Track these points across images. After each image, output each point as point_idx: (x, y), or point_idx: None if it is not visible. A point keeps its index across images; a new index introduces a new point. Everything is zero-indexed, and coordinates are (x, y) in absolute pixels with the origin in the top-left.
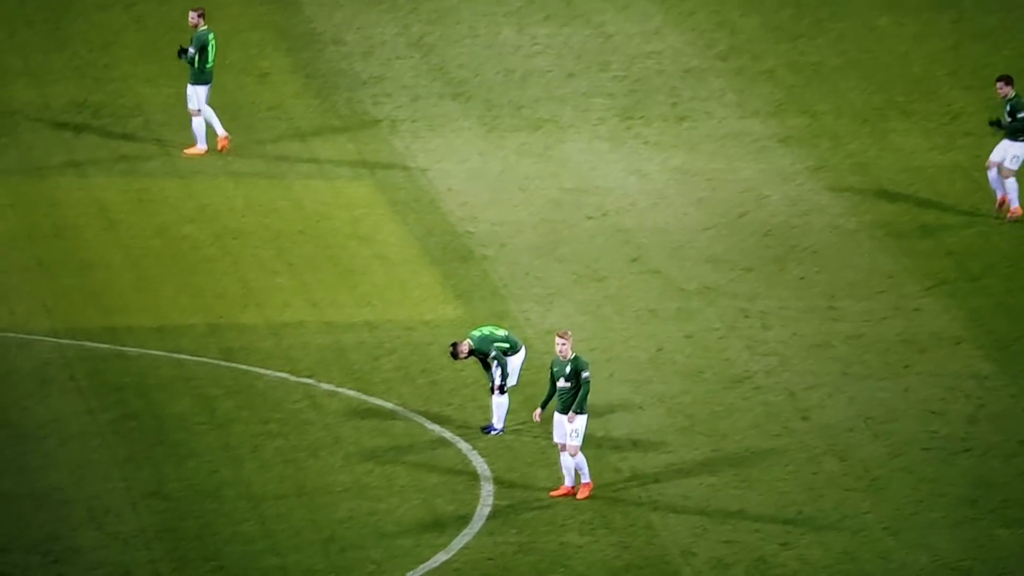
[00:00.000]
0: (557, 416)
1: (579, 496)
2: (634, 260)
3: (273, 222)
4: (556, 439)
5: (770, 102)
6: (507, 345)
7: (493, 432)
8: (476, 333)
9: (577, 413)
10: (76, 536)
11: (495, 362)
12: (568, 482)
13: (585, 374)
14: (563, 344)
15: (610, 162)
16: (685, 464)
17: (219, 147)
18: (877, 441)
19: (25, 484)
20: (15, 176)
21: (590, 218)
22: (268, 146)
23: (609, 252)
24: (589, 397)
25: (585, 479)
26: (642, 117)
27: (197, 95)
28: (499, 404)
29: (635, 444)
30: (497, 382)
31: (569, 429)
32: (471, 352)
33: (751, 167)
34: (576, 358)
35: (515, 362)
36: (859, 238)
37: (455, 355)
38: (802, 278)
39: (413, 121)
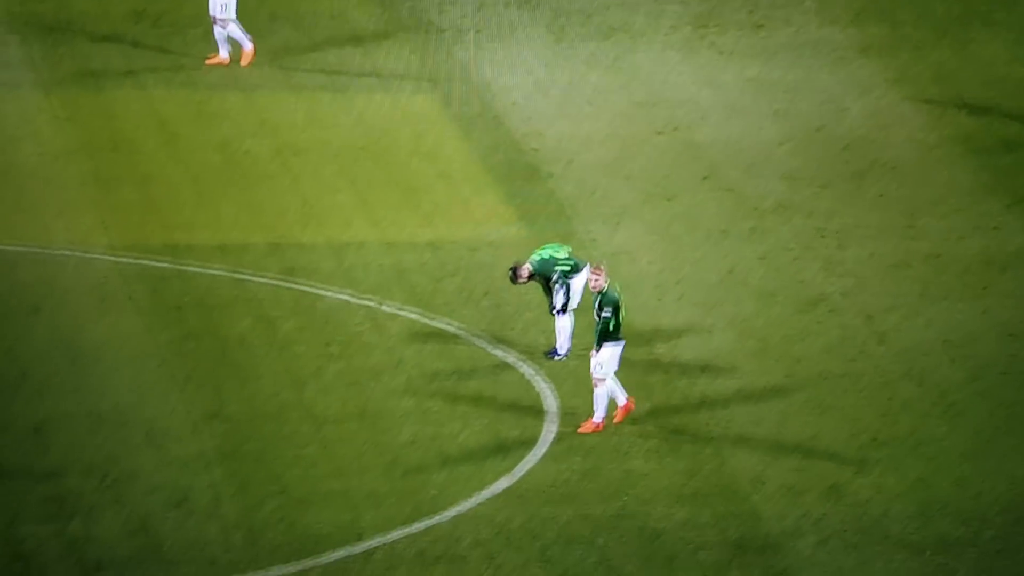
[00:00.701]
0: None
1: (581, 429)
2: (706, 177)
3: (334, 137)
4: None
5: (850, 10)
6: (569, 266)
7: (557, 357)
8: (536, 257)
9: (599, 346)
10: (134, 459)
11: (557, 285)
12: (621, 400)
13: (605, 312)
14: (596, 279)
15: (682, 73)
16: (756, 390)
17: (245, 61)
18: (955, 365)
19: (82, 405)
20: (72, 88)
21: (660, 133)
22: (330, 57)
23: (680, 168)
24: (619, 327)
25: (597, 417)
26: (717, 25)
27: (230, 2)
28: (562, 328)
29: (704, 369)
30: (559, 304)
31: (592, 362)
32: (531, 276)
33: (830, 78)
34: (604, 293)
35: (578, 283)
36: (939, 153)
37: (514, 279)
38: (881, 195)
39: (478, 31)
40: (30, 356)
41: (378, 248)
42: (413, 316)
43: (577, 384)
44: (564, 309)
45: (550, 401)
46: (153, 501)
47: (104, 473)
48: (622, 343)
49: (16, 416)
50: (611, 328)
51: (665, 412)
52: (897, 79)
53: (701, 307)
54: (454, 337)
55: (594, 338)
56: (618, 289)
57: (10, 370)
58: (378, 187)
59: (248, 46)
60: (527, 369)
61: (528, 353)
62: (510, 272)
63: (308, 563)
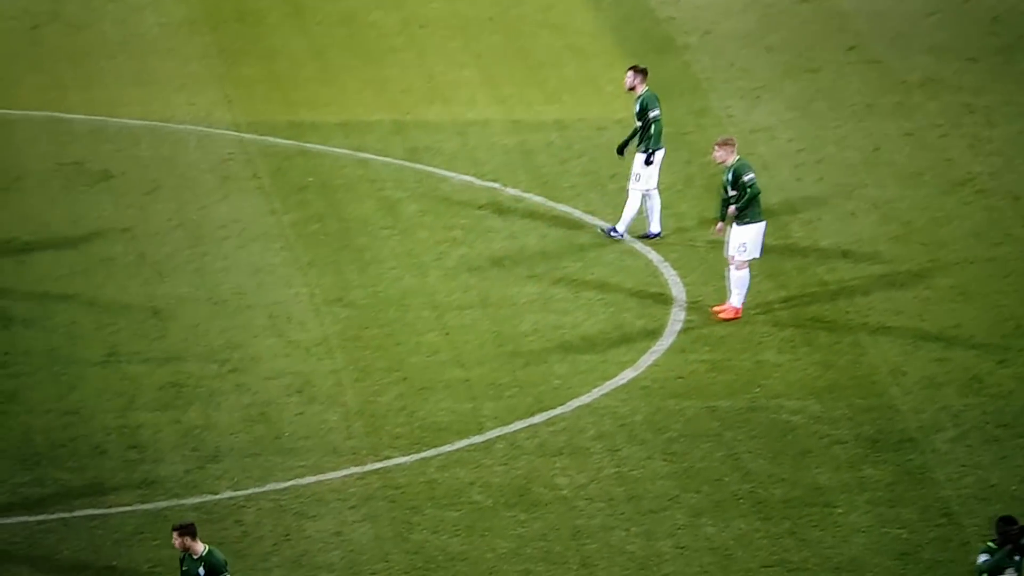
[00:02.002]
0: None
1: (720, 313)
2: (851, 48)
3: (461, 8)
4: (726, 252)
5: None
6: (659, 128)
7: (651, 236)
8: (655, 95)
9: (742, 223)
10: (255, 344)
11: (651, 128)
12: (739, 300)
13: (747, 176)
14: (717, 151)
15: None
16: (898, 276)
17: None
18: None
19: (203, 288)
20: None
21: (804, 0)
22: None
23: (824, 39)
24: (760, 202)
25: (737, 302)
26: None
27: None
28: (652, 207)
29: (844, 254)
30: (649, 146)
31: (735, 242)
32: (639, 97)
33: None
34: (737, 163)
35: (656, 158)
36: None
37: (631, 74)
38: None
39: None
40: (149, 236)
41: (503, 127)
42: (537, 200)
43: (706, 272)
44: (649, 158)
45: (677, 289)
46: (273, 387)
47: (224, 359)
48: (764, 223)
49: (133, 298)
50: (753, 199)
51: (801, 300)
52: None
53: (842, 188)
54: (579, 222)
55: (723, 213)
56: None
57: (128, 251)
58: (504, 62)
59: None
60: (654, 255)
61: (656, 239)
62: (639, 68)
63: (429, 452)
